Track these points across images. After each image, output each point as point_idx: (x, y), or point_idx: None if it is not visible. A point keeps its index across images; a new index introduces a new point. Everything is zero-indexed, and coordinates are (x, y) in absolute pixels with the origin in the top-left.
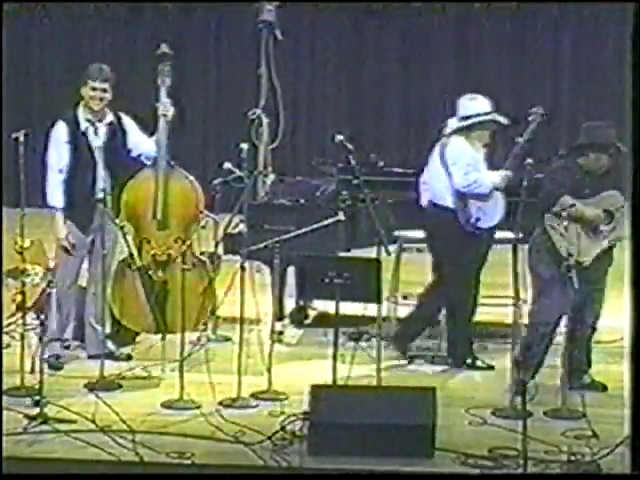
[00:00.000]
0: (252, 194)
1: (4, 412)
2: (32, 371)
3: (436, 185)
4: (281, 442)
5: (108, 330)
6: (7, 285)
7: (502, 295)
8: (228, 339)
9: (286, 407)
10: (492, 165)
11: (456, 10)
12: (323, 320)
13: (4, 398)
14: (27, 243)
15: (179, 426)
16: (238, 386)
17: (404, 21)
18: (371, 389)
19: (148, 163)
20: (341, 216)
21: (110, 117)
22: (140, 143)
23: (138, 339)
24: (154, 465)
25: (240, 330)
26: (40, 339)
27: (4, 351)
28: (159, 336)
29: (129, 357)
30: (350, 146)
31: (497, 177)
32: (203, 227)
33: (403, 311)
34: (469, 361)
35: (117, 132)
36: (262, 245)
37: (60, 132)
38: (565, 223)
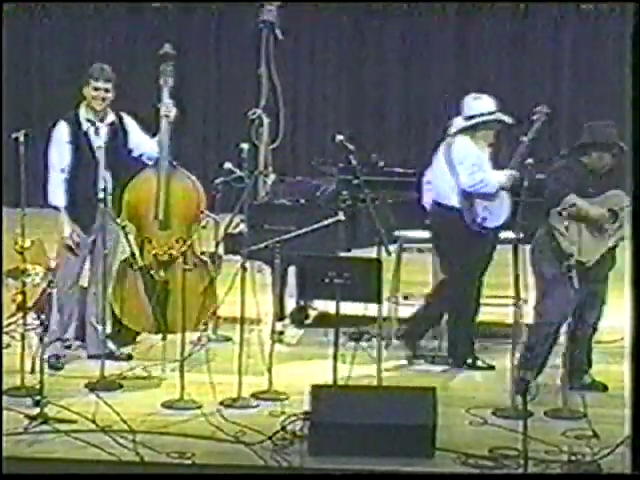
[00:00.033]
0: (253, 194)
1: (4, 412)
2: (32, 371)
3: (441, 185)
4: (282, 442)
5: (109, 330)
6: (7, 285)
7: (503, 295)
8: (229, 339)
9: (287, 407)
10: (497, 165)
11: (456, 10)
12: (324, 320)
13: (4, 398)
14: (27, 243)
15: (180, 426)
16: (239, 386)
17: (404, 21)
18: (372, 389)
19: (150, 163)
20: (341, 216)
21: (112, 117)
22: (142, 143)
23: (139, 339)
24: (155, 465)
25: (241, 330)
26: (40, 339)
27: (4, 351)
28: (160, 336)
29: (129, 357)
30: (350, 146)
31: (503, 177)
32: (204, 227)
33: (404, 311)
34: (470, 361)
35: (118, 132)
36: (263, 245)
37: (62, 132)
38: (566, 223)
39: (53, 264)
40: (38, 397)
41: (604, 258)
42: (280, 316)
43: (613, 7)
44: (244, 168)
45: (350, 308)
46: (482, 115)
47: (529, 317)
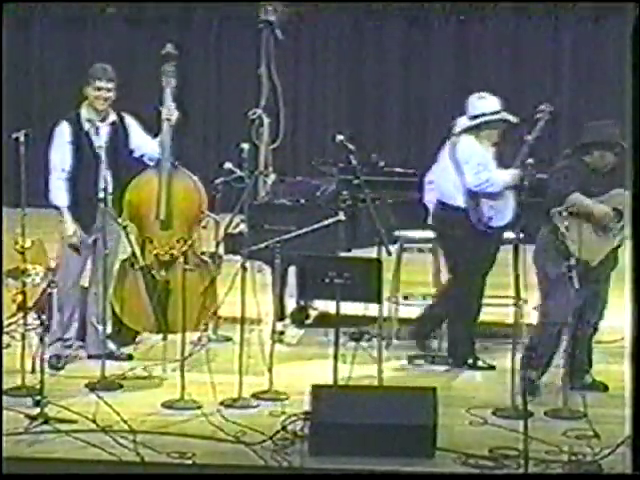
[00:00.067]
0: (253, 194)
1: (4, 412)
2: (33, 371)
3: (445, 184)
4: (282, 442)
5: (109, 330)
6: (7, 285)
7: (503, 295)
8: (229, 339)
9: (287, 407)
10: (500, 164)
11: (456, 10)
12: (324, 320)
13: (4, 398)
14: (28, 243)
15: (180, 426)
16: (239, 386)
17: (404, 21)
18: (372, 389)
19: (151, 164)
20: (342, 216)
21: (113, 117)
22: (143, 144)
23: (139, 339)
24: (155, 465)
25: (241, 330)
26: (41, 339)
27: (4, 351)
28: (160, 336)
29: (130, 357)
30: (351, 146)
31: (508, 176)
32: (204, 227)
33: (404, 311)
34: (470, 361)
35: (120, 132)
36: (263, 245)
37: (63, 132)
38: (566, 223)
39: (53, 264)
40: (38, 397)
41: (607, 258)
42: (280, 316)
43: (613, 7)
44: (244, 168)
45: (350, 308)
46: (486, 115)
47: (529, 317)
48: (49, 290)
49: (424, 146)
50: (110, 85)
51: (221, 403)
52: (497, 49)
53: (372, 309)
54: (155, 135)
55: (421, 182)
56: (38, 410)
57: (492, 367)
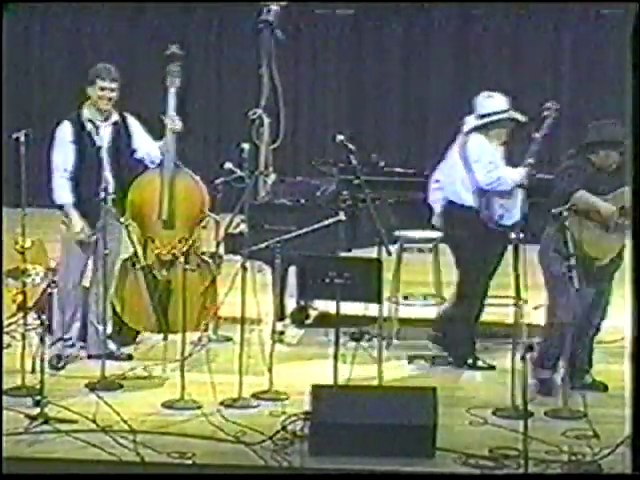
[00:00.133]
0: (253, 194)
1: (4, 412)
2: (33, 371)
3: (454, 184)
4: (282, 442)
5: (110, 330)
6: (7, 285)
7: (503, 295)
8: (229, 339)
9: (287, 407)
10: (509, 162)
11: (456, 10)
12: (324, 320)
13: (4, 398)
14: (28, 243)
15: (180, 426)
16: (239, 386)
17: (404, 21)
18: (372, 389)
19: (152, 167)
20: (342, 216)
21: (115, 117)
22: (145, 145)
23: (139, 339)
24: (155, 465)
25: (241, 330)
26: (41, 339)
27: (4, 351)
28: (160, 336)
29: (130, 357)
30: (351, 146)
31: (517, 174)
32: (204, 227)
33: (404, 311)
34: (470, 361)
35: (122, 132)
36: (263, 245)
37: (65, 132)
38: (566, 223)
39: (53, 264)
40: (38, 397)
41: (618, 256)
42: (280, 316)
43: (613, 7)
44: (245, 168)
45: (350, 308)
46: (495, 114)
47: (529, 317)
48: (49, 290)
49: (424, 146)
50: (114, 85)
51: (221, 403)
52: (497, 49)
53: (372, 309)
54: (157, 138)
55: (426, 181)
56: (38, 410)
57: (492, 367)
